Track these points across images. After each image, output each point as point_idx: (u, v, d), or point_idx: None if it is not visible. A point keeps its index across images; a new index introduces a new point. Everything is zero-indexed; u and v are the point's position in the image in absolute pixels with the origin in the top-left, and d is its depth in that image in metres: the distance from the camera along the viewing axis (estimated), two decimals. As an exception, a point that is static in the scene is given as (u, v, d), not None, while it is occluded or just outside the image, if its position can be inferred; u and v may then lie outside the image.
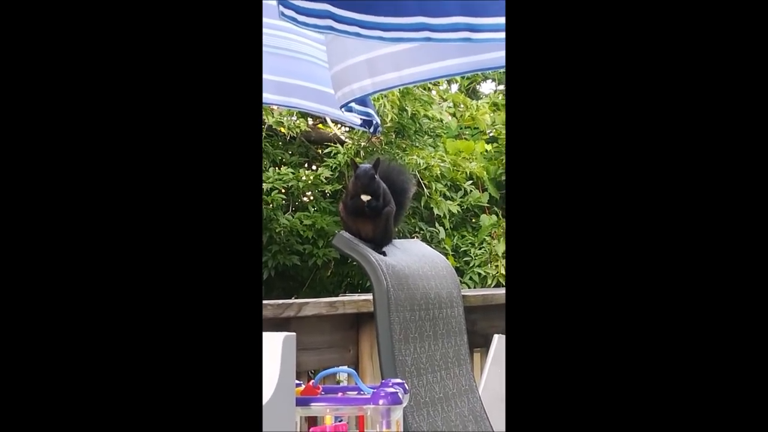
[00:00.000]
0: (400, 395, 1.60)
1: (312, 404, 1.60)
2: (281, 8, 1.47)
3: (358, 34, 1.56)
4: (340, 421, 1.63)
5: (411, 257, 2.42)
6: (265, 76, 2.27)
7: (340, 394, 1.68)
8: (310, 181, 6.25)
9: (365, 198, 2.26)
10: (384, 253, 2.29)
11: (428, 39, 1.58)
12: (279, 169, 6.27)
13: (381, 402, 1.58)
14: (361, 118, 2.34)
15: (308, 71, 2.33)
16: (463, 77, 7.33)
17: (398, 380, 1.70)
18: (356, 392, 1.66)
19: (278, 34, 2.27)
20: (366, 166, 2.29)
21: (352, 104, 2.20)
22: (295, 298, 5.58)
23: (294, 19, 1.50)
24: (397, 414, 1.60)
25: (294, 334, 1.51)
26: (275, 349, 1.49)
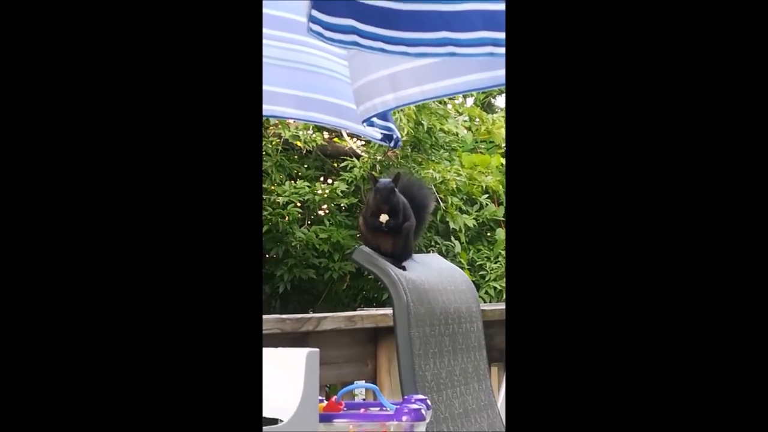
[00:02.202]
0: (423, 411, 1.59)
1: (335, 420, 1.59)
2: (309, 24, 1.47)
3: (382, 50, 1.56)
4: (362, 438, 1.62)
5: (430, 271, 2.41)
6: (285, 90, 2.28)
7: (362, 410, 1.67)
8: (326, 195, 6.26)
9: (384, 219, 2.26)
10: (404, 268, 2.29)
11: (452, 54, 1.58)
12: (295, 182, 6.28)
13: (404, 419, 1.57)
14: (381, 133, 2.34)
15: (328, 86, 2.33)
16: (479, 91, 7.33)
17: (421, 396, 1.69)
18: (379, 408, 1.65)
19: (298, 49, 2.28)
20: (386, 180, 2.29)
21: (373, 119, 2.20)
22: (312, 312, 5.58)
23: (320, 35, 1.50)
24: (421, 430, 1.59)
25: (317, 350, 1.51)
26: (299, 364, 1.48)
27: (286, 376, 1.47)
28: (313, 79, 2.31)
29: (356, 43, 1.55)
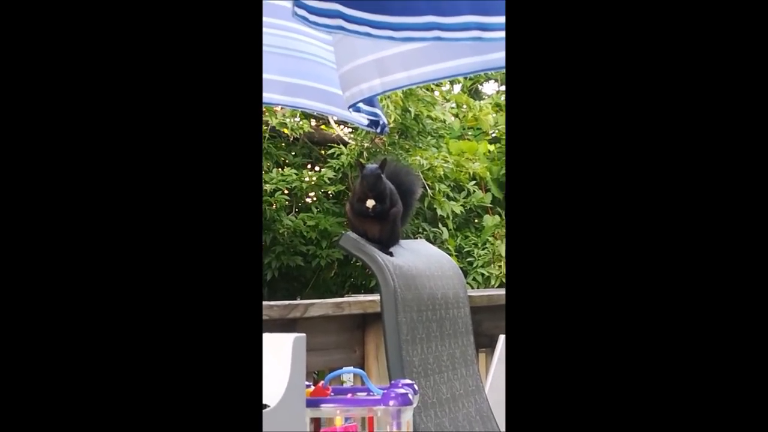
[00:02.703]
0: (410, 396, 1.60)
1: (322, 405, 1.60)
2: (294, 8, 1.47)
3: (368, 34, 1.56)
4: (349, 422, 1.62)
5: (418, 257, 2.41)
6: (272, 76, 2.27)
7: (349, 395, 1.67)
8: (313, 182, 6.24)
9: (370, 204, 2.25)
10: (391, 254, 2.28)
11: (438, 38, 1.57)
12: (282, 170, 6.26)
13: (391, 403, 1.57)
14: (368, 119, 2.33)
15: (315, 72, 2.32)
16: (466, 78, 7.32)
17: (408, 381, 1.69)
18: (366, 393, 1.66)
19: (285, 35, 2.26)
20: (372, 166, 2.29)
21: (360, 104, 2.19)
22: (300, 299, 5.57)
23: (306, 19, 1.49)
24: (408, 415, 1.59)
25: (304, 335, 1.51)
26: (285, 350, 1.48)
27: (273, 362, 1.47)
28: (299, 65, 2.30)
29: (342, 28, 1.54)
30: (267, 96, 2.30)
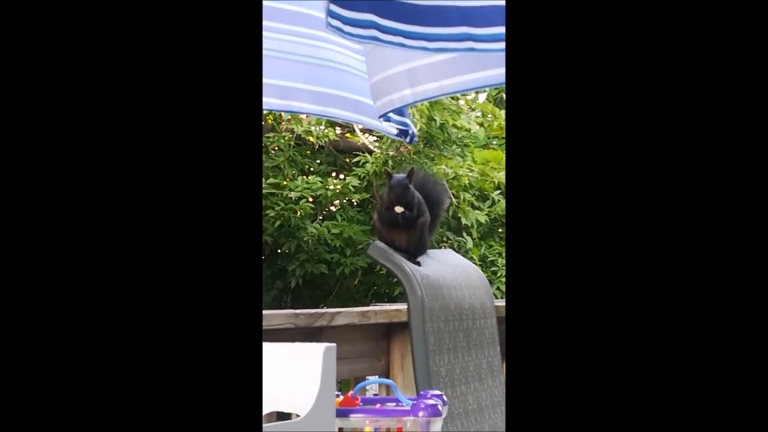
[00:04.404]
0: (439, 407, 1.59)
1: (351, 416, 1.59)
2: (329, 19, 1.48)
3: (402, 45, 1.56)
4: (378, 433, 1.62)
5: (445, 267, 2.41)
6: (301, 85, 2.28)
7: (378, 406, 1.67)
8: (338, 190, 6.26)
9: (399, 210, 2.26)
10: (418, 263, 2.29)
11: (471, 49, 1.58)
12: (307, 177, 6.29)
13: (421, 414, 1.57)
14: (397, 128, 2.34)
15: (344, 81, 2.33)
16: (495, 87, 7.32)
17: (437, 392, 1.69)
18: (395, 404, 1.65)
19: (315, 44, 2.28)
20: (400, 176, 2.29)
21: (390, 114, 2.20)
22: (323, 307, 5.58)
23: (340, 30, 1.50)
24: (437, 426, 1.58)
25: (334, 345, 1.51)
26: (315, 360, 1.48)
27: (302, 371, 1.47)
28: (329, 75, 2.31)
29: (376, 38, 1.54)
30: (297, 105, 2.32)
